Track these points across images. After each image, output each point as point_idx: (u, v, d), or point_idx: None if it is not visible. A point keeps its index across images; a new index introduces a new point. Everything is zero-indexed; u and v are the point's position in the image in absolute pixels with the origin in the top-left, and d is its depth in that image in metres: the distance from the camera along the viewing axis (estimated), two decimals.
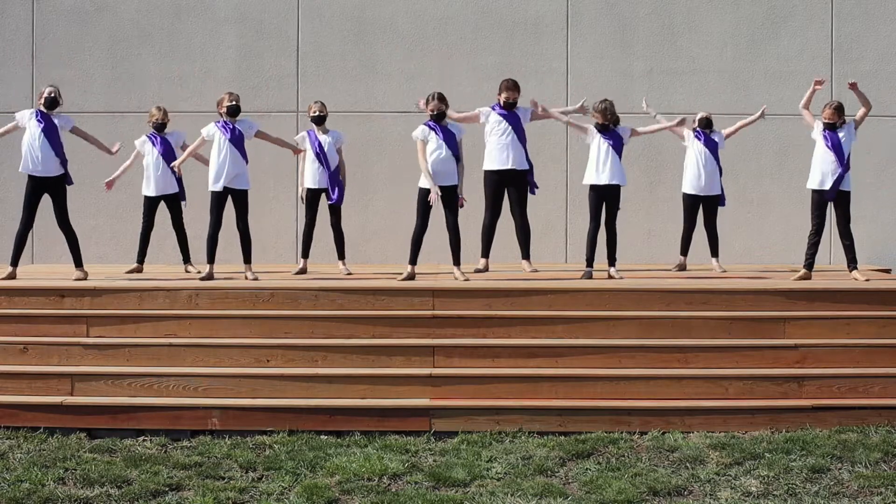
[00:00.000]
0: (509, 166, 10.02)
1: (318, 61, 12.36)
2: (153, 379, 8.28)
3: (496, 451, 7.43)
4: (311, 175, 10.28)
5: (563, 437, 7.75)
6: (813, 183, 9.81)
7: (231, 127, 9.80)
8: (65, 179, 9.72)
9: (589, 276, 9.76)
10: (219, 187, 9.76)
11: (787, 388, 8.22)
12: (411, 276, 9.56)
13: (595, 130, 9.99)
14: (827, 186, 9.72)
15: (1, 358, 8.56)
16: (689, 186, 10.65)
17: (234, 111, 9.82)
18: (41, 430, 7.97)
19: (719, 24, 12.32)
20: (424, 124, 9.70)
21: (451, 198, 9.59)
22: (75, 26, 12.37)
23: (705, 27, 12.31)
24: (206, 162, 10.12)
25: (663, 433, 7.81)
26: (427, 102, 9.73)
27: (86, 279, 9.55)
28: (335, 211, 10.31)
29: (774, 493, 6.59)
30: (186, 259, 10.77)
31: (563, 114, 10.35)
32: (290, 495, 6.57)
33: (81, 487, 6.71)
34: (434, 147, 9.58)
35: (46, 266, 11.62)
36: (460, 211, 9.67)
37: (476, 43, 12.34)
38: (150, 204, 10.61)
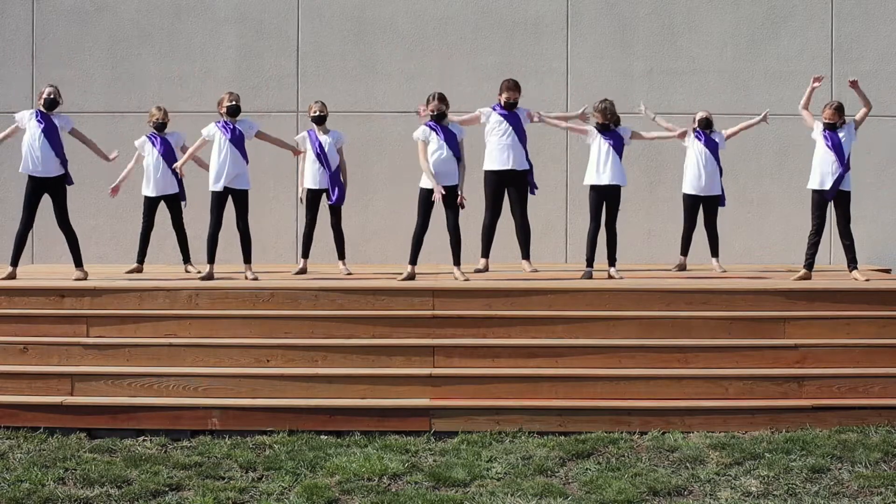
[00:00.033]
0: (509, 166, 10.02)
1: (318, 61, 12.36)
2: (153, 379, 8.28)
3: (496, 451, 7.42)
4: (311, 175, 10.28)
5: (563, 437, 7.75)
6: (813, 183, 9.80)
7: (231, 127, 9.80)
8: (65, 179, 9.72)
9: (589, 276, 9.76)
10: (219, 187, 9.76)
11: (787, 388, 8.22)
12: (411, 276, 9.55)
13: (595, 131, 9.99)
14: (827, 186, 9.71)
15: (1, 358, 8.56)
16: (689, 186, 10.65)
17: (234, 111, 9.82)
18: (41, 430, 7.97)
19: (719, 24, 12.32)
20: (425, 125, 9.69)
21: (452, 198, 9.59)
22: (75, 26, 12.37)
23: (705, 27, 12.31)
24: (206, 167, 10.12)
25: (663, 433, 7.81)
26: (427, 103, 9.73)
27: (86, 279, 9.55)
28: (335, 211, 10.31)
29: (774, 493, 6.58)
30: (186, 259, 10.77)
31: (563, 119, 10.38)
32: (290, 495, 6.57)
33: (81, 487, 6.70)
34: (435, 147, 9.57)
35: (46, 266, 11.62)
36: (460, 211, 9.68)
37: (476, 43, 12.33)
38: (150, 204, 10.61)
